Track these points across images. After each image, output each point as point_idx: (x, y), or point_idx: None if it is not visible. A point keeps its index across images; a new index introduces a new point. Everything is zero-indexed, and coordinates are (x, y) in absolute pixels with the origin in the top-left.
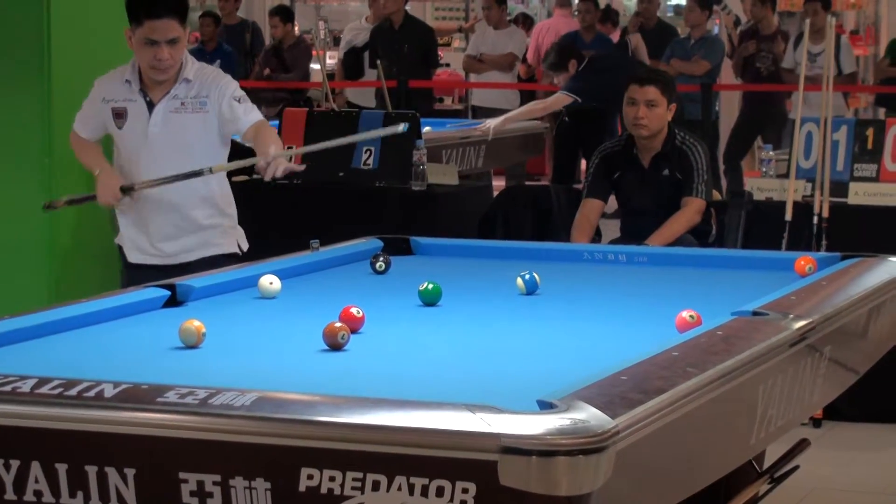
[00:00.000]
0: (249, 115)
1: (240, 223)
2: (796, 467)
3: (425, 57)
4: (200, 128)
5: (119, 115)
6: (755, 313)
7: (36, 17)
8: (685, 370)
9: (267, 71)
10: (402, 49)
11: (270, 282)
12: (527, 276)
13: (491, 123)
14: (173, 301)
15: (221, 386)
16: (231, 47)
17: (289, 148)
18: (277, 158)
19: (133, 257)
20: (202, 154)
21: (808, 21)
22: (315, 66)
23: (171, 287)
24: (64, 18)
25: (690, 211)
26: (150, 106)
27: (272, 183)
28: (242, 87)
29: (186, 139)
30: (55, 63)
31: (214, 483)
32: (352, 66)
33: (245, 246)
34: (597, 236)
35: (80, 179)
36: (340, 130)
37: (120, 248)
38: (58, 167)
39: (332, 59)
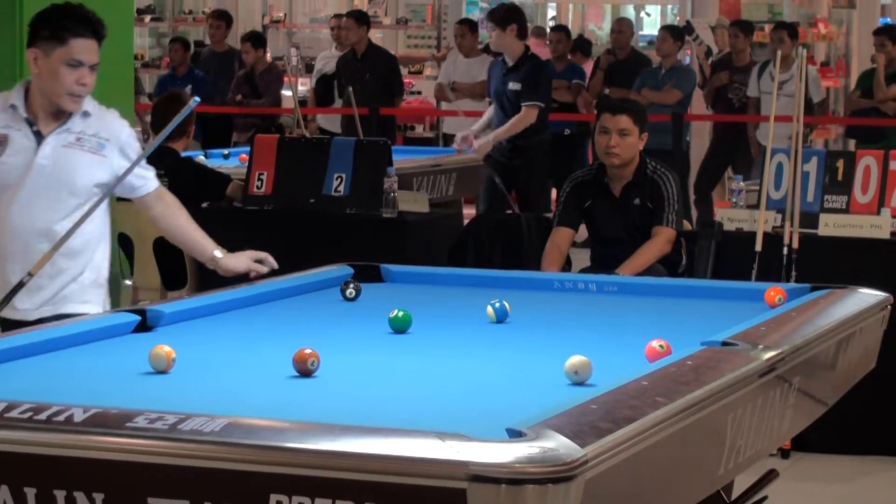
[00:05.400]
0: (150, 174)
1: None
2: (764, 498)
3: (388, 85)
4: (94, 170)
5: None
6: (724, 343)
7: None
8: (655, 400)
9: (239, 97)
10: (364, 77)
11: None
12: (497, 305)
13: (476, 144)
14: (143, 326)
15: (191, 411)
16: (214, 74)
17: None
18: (266, 257)
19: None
20: (86, 199)
21: (778, 52)
22: (287, 92)
23: (141, 312)
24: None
25: (661, 240)
26: (38, 136)
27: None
28: (216, 114)
29: (75, 179)
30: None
31: None
32: (323, 93)
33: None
34: (567, 265)
35: None
36: (311, 157)
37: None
38: None
39: (303, 86)
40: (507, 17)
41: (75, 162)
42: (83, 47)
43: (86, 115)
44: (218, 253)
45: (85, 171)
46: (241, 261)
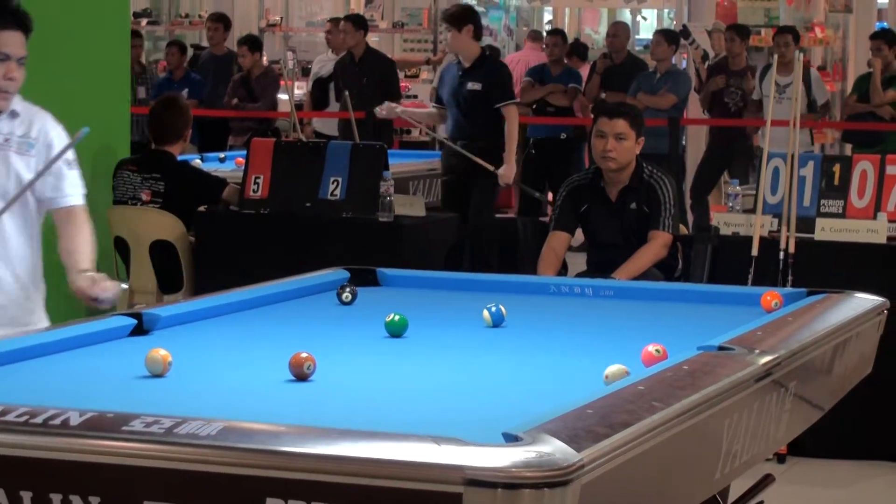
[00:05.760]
0: (74, 190)
1: (206, 252)
2: (761, 503)
3: (386, 90)
4: (23, 172)
5: None
6: (721, 348)
7: None
8: (651, 404)
9: (235, 100)
10: (362, 81)
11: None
12: (493, 309)
13: (502, 171)
14: (139, 330)
15: (187, 415)
16: (213, 77)
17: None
18: (106, 283)
19: None
20: (19, 203)
21: (775, 55)
22: (283, 96)
23: (137, 315)
24: (32, 50)
25: (657, 245)
26: None
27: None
28: (214, 117)
29: (5, 182)
30: (23, 95)
31: None
32: (319, 96)
33: None
34: (563, 269)
35: None
36: (308, 161)
37: None
38: None
39: (300, 90)
40: (463, 18)
41: (4, 164)
42: (9, 39)
43: (13, 114)
44: (79, 272)
45: (14, 173)
46: (83, 282)
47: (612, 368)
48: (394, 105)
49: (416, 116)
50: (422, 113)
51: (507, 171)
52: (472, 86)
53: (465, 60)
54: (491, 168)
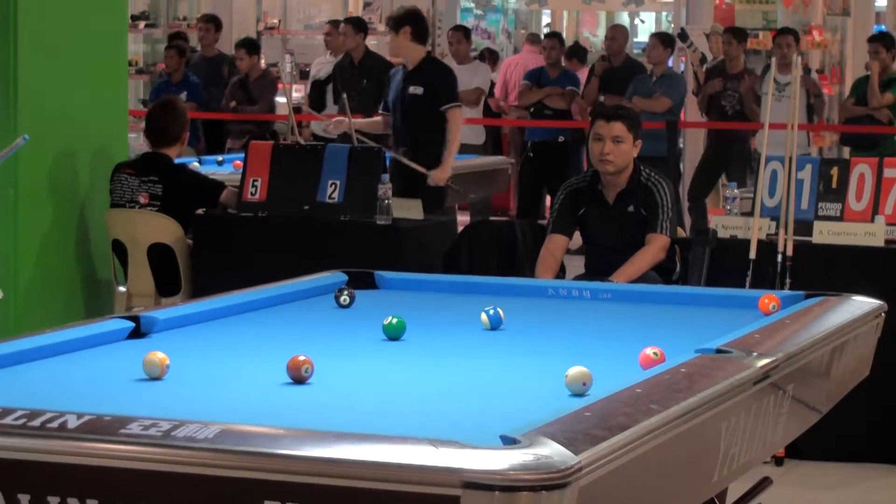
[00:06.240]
0: None
1: (204, 255)
2: None
3: (384, 92)
4: None
5: None
6: (719, 351)
7: (2, 55)
8: (648, 407)
9: (233, 103)
10: (361, 84)
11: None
12: (491, 312)
13: (433, 174)
14: (137, 333)
15: (185, 418)
16: (203, 79)
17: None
18: None
19: None
20: None
21: (773, 57)
22: (281, 98)
23: (135, 318)
24: (30, 54)
25: (655, 248)
26: None
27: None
28: (210, 120)
29: None
30: (21, 97)
31: None
32: (316, 99)
33: None
34: (561, 272)
35: (46, 210)
36: (306, 164)
37: None
38: (23, 198)
39: (298, 93)
40: (401, 21)
41: None
42: None
43: None
44: None
45: None
46: None
47: (572, 374)
48: (341, 119)
49: (363, 128)
50: (365, 122)
51: (441, 174)
52: (414, 90)
53: (409, 64)
54: (422, 170)
